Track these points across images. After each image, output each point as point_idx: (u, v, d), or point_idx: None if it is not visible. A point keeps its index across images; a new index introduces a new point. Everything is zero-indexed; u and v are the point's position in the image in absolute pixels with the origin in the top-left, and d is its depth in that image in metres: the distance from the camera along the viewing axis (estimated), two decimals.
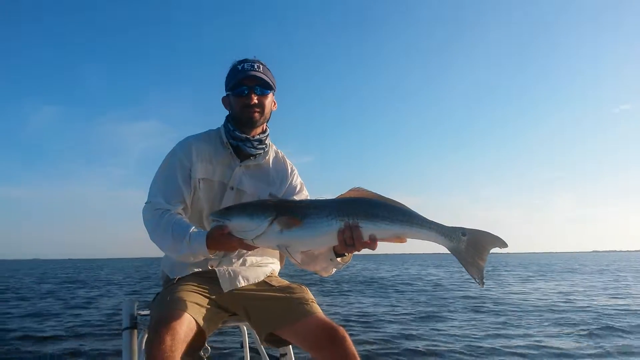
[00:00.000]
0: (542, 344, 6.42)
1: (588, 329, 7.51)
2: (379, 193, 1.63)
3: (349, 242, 1.56)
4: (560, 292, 14.50)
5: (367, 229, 1.57)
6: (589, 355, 5.85)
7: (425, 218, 1.60)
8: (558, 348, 6.18)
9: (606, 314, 9.36)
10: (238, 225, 1.57)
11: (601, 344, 6.44)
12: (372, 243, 1.58)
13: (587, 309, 10.26)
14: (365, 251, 1.63)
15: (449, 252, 1.61)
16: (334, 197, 1.65)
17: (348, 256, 1.80)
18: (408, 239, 1.61)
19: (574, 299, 12.48)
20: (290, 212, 1.56)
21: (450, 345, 6.37)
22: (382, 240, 1.61)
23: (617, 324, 7.98)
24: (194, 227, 1.76)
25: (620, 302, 11.73)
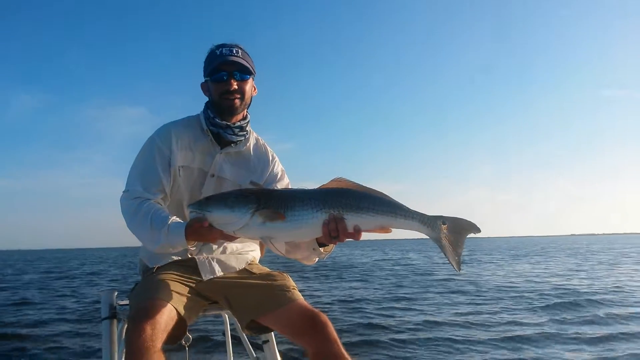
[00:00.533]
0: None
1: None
2: (360, 183, 1.63)
3: (334, 234, 1.55)
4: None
5: (352, 220, 1.57)
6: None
7: (408, 208, 1.61)
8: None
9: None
10: (218, 217, 1.53)
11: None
12: (356, 234, 1.58)
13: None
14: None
15: (424, 237, 1.65)
16: (315, 188, 1.63)
17: (331, 246, 1.79)
18: (392, 229, 1.63)
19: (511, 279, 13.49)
20: (273, 203, 1.53)
21: (424, 327, 6.48)
22: (367, 231, 1.61)
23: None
24: (173, 218, 1.72)
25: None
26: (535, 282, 12.84)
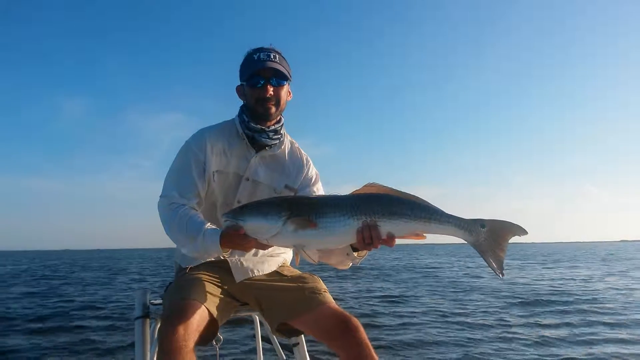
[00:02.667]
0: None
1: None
2: (394, 187, 1.59)
3: (367, 241, 1.53)
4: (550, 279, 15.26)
5: (385, 226, 1.54)
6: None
7: (443, 212, 1.56)
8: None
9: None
10: (252, 226, 1.54)
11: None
12: (390, 240, 1.55)
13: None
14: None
15: (463, 242, 1.58)
16: (348, 193, 1.61)
17: (364, 251, 1.76)
18: (427, 235, 1.58)
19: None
20: (305, 211, 1.52)
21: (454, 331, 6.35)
22: (400, 237, 1.57)
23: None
24: (208, 224, 1.75)
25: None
26: None
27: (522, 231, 1.60)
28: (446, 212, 1.57)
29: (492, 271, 1.58)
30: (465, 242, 1.58)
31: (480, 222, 1.57)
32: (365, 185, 1.61)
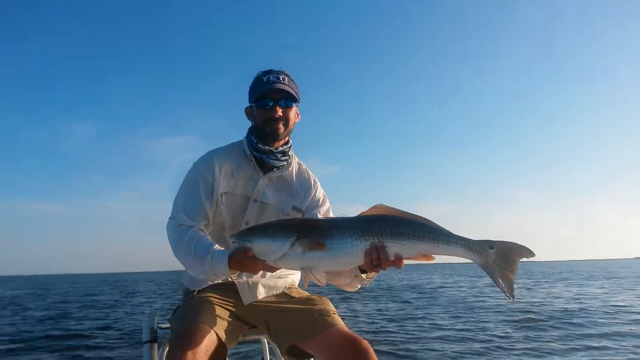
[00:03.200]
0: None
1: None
2: (401, 209, 1.59)
3: (376, 262, 1.53)
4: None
5: (393, 248, 1.54)
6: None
7: (451, 233, 1.56)
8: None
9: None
10: (260, 247, 1.55)
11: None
12: (398, 262, 1.55)
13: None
14: None
15: (469, 262, 1.57)
16: (355, 215, 1.61)
17: (373, 272, 1.75)
18: (435, 256, 1.58)
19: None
20: (313, 233, 1.53)
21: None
22: (408, 258, 1.57)
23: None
24: (216, 246, 1.75)
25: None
26: None
27: (530, 253, 1.59)
28: (454, 233, 1.56)
29: (502, 293, 1.57)
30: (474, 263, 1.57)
31: (489, 244, 1.56)
32: (372, 207, 1.61)
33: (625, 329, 8.59)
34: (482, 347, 6.98)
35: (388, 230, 1.54)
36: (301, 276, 2.14)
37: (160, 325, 2.07)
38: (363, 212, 1.61)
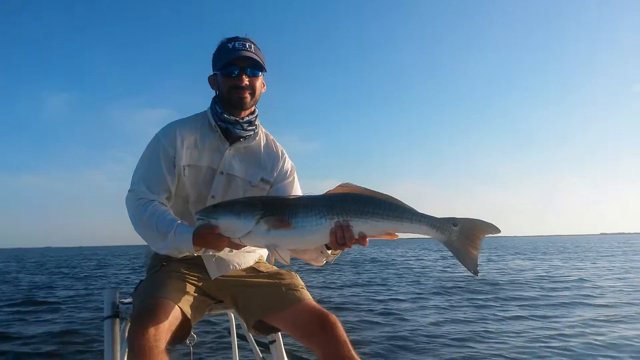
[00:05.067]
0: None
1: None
2: (367, 187, 1.60)
3: (341, 241, 1.54)
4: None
5: (358, 226, 1.55)
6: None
7: (415, 211, 1.57)
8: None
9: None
10: (225, 224, 1.55)
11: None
12: (362, 240, 1.56)
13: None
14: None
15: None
16: (322, 194, 1.61)
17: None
18: (399, 234, 1.59)
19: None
20: (279, 210, 1.53)
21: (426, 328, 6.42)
22: (373, 236, 1.58)
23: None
24: (179, 221, 1.70)
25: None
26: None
27: (495, 229, 1.60)
28: (418, 211, 1.58)
29: (467, 271, 1.59)
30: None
31: (453, 221, 1.58)
32: (338, 186, 1.62)
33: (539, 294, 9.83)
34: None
35: (353, 209, 1.55)
36: (268, 254, 2.12)
37: (122, 300, 2.01)
38: (330, 191, 1.61)
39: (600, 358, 5.00)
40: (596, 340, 5.73)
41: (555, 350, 5.25)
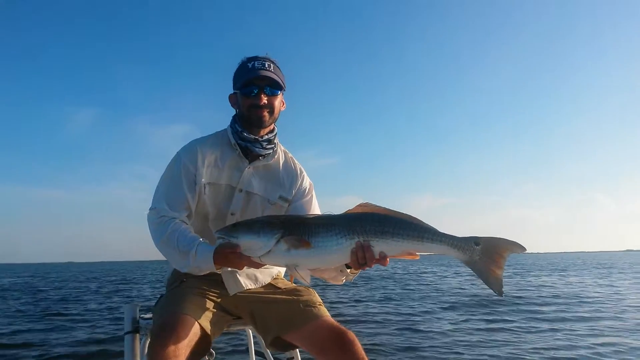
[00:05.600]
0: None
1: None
2: (387, 207, 1.59)
3: (362, 261, 1.53)
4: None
5: (378, 246, 1.54)
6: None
7: (436, 231, 1.55)
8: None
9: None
10: (245, 243, 1.54)
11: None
12: (383, 260, 1.55)
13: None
14: None
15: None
16: (341, 213, 1.61)
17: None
18: (420, 254, 1.57)
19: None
20: (299, 230, 1.53)
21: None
22: (393, 256, 1.57)
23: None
24: (200, 240, 1.72)
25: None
26: None
27: (520, 248, 1.56)
28: (439, 230, 1.56)
29: (492, 290, 1.55)
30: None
31: (475, 240, 1.55)
32: (358, 205, 1.61)
33: (557, 311, 9.62)
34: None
35: (373, 229, 1.54)
36: (286, 272, 2.12)
37: (142, 315, 2.03)
38: (349, 210, 1.61)
39: None
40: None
41: None
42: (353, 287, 16.70)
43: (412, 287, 17.28)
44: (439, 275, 24.99)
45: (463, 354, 5.96)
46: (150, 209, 1.86)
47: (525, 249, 1.57)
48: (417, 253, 1.56)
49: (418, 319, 9.18)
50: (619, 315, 9.03)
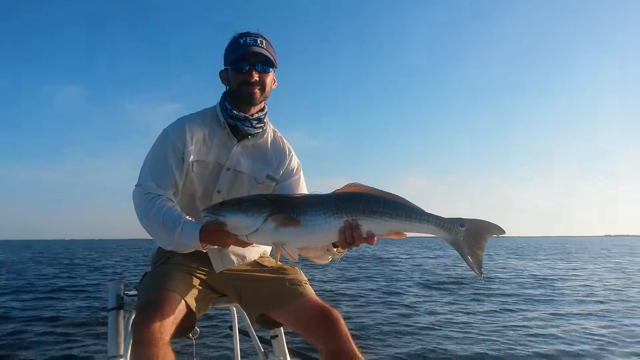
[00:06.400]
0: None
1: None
2: (375, 187, 1.61)
3: (349, 240, 1.54)
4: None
5: (366, 225, 1.56)
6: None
7: (423, 211, 1.58)
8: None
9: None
10: (233, 222, 1.54)
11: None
12: (370, 239, 1.56)
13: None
14: None
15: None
16: (329, 193, 1.62)
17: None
18: (407, 234, 1.60)
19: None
20: (287, 209, 1.53)
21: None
22: (380, 235, 1.59)
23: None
24: (186, 217, 1.70)
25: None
26: None
27: (500, 230, 1.62)
28: (426, 211, 1.59)
29: (471, 270, 1.61)
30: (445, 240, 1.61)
31: (460, 221, 1.60)
32: (346, 185, 1.62)
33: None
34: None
35: (361, 208, 1.55)
36: (272, 251, 2.12)
37: (127, 292, 2.02)
38: (337, 190, 1.62)
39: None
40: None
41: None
42: (339, 266, 16.87)
43: (397, 268, 17.56)
44: (424, 257, 25.42)
45: (448, 329, 6.10)
46: (136, 185, 1.83)
47: (504, 232, 1.63)
48: (404, 233, 1.59)
49: (400, 298, 9.32)
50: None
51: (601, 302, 9.15)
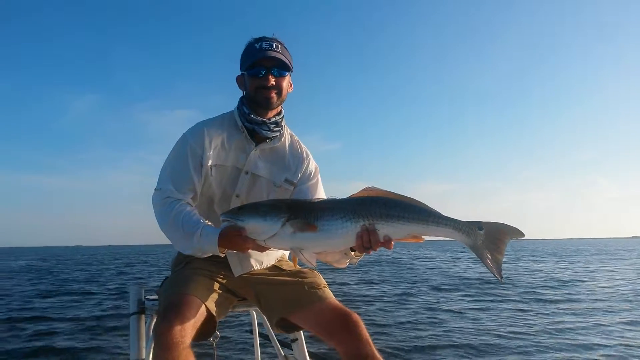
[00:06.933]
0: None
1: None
2: (391, 191, 1.59)
3: (367, 244, 1.53)
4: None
5: (383, 229, 1.54)
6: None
7: (441, 215, 1.56)
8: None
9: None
10: (251, 227, 1.54)
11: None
12: (387, 243, 1.55)
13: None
14: None
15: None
16: (346, 197, 1.61)
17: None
18: (425, 237, 1.58)
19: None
20: (304, 213, 1.53)
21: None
22: (398, 240, 1.57)
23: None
24: (205, 222, 1.71)
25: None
26: None
27: (519, 233, 1.59)
28: (443, 214, 1.57)
29: (491, 274, 1.58)
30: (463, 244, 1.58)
31: (478, 225, 1.57)
32: (362, 189, 1.61)
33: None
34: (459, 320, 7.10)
35: (378, 212, 1.54)
36: (290, 256, 2.12)
37: (147, 296, 2.04)
38: (353, 194, 1.61)
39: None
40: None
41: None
42: (359, 270, 16.82)
43: (418, 270, 17.44)
44: (442, 260, 25.18)
45: (470, 336, 6.02)
46: (155, 189, 1.84)
47: (524, 235, 1.59)
48: (422, 236, 1.57)
49: (423, 303, 9.25)
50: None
51: None
